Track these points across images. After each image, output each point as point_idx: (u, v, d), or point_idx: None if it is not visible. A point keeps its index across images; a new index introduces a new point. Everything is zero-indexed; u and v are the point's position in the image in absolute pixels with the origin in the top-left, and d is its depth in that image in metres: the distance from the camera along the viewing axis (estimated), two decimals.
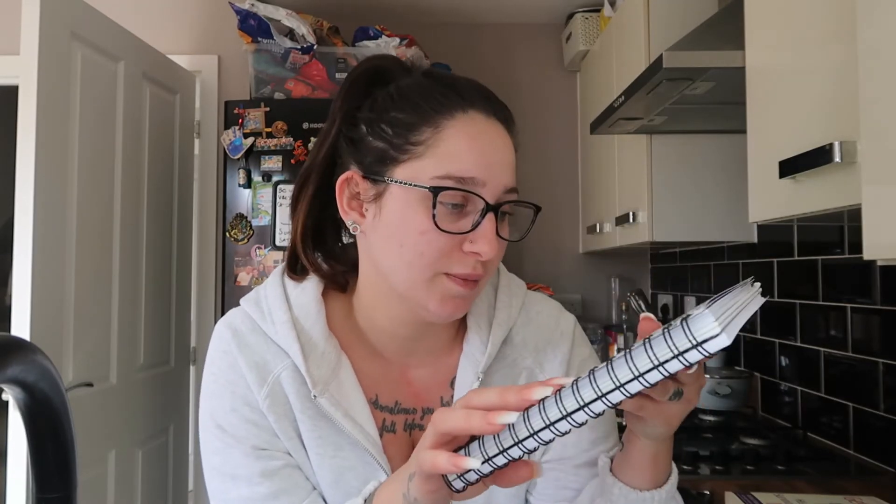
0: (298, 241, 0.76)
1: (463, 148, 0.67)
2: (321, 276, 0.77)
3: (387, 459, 0.72)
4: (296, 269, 0.78)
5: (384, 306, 0.74)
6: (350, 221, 0.72)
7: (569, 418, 0.49)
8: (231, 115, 2.38)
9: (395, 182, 0.67)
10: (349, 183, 0.72)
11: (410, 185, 0.66)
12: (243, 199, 2.37)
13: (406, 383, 0.77)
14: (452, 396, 0.76)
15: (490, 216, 0.66)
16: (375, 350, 0.77)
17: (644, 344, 0.47)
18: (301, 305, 0.75)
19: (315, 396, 0.70)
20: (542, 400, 0.50)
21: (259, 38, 2.44)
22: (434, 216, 0.65)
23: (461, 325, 0.79)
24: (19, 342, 0.51)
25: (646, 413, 0.58)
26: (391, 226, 0.68)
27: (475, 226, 0.66)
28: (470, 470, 0.53)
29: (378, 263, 0.71)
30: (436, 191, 0.65)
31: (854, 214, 0.97)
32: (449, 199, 0.66)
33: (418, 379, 0.77)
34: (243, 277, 2.32)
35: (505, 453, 0.52)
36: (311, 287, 0.76)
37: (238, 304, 0.79)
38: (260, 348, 0.73)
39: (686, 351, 0.44)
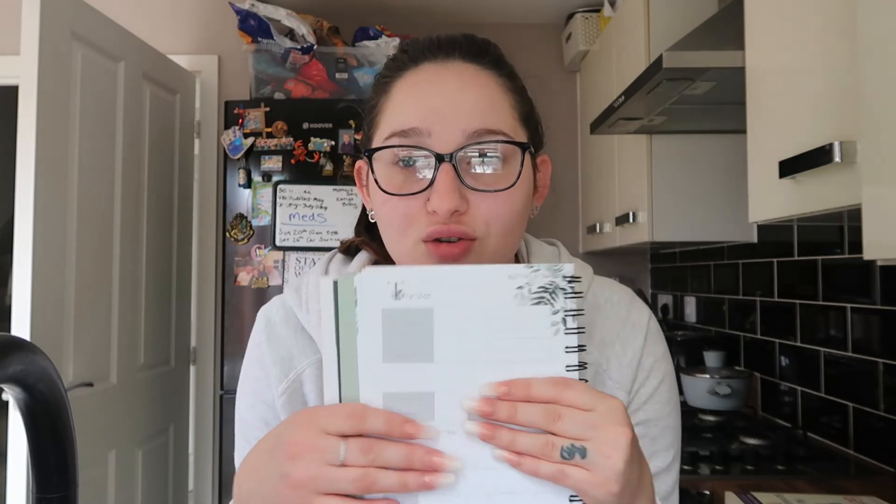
0: (356, 225, 0.77)
1: (403, 101, 0.64)
2: (373, 253, 0.74)
3: None
4: (350, 249, 0.76)
5: None
6: (368, 209, 0.71)
7: None
8: (231, 115, 2.38)
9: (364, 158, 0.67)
10: (360, 173, 0.72)
11: (363, 156, 0.66)
12: (243, 199, 2.37)
13: None
14: None
15: (445, 167, 0.60)
16: None
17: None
18: None
19: None
20: None
21: (259, 38, 2.45)
22: (376, 181, 0.63)
23: None
24: (19, 342, 0.51)
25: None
26: (374, 204, 0.67)
27: (432, 181, 0.60)
28: None
29: (387, 247, 0.69)
30: (369, 154, 0.64)
31: (854, 214, 0.97)
32: (390, 157, 0.63)
33: None
34: (243, 277, 2.32)
35: None
36: None
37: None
38: (288, 342, 0.71)
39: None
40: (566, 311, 0.49)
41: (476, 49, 0.66)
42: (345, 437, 0.48)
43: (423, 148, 0.61)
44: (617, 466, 0.47)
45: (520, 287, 0.49)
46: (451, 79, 0.64)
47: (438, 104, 0.62)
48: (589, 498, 0.48)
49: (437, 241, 0.61)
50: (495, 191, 0.61)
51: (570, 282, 0.49)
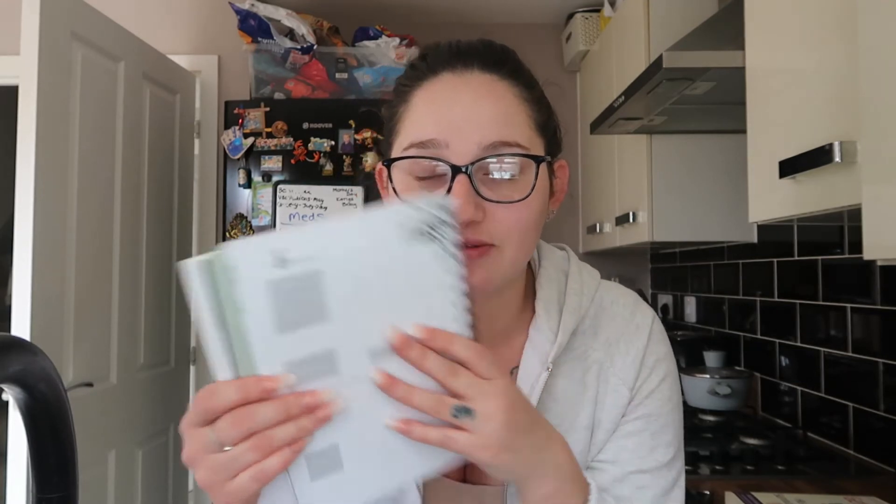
0: None
1: (422, 112, 0.65)
2: None
3: None
4: None
5: None
6: None
7: None
8: (231, 115, 2.38)
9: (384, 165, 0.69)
10: (381, 175, 0.73)
11: (383, 165, 0.68)
12: (243, 199, 2.37)
13: None
14: None
15: (461, 178, 0.61)
16: None
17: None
18: None
19: None
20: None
21: (259, 38, 2.45)
22: (395, 190, 0.65)
23: (525, 312, 0.73)
24: (19, 342, 0.51)
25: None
26: None
27: (448, 191, 0.62)
28: None
29: None
30: (388, 164, 0.66)
31: (854, 214, 0.97)
32: (409, 168, 0.64)
33: None
34: None
35: None
36: None
37: None
38: None
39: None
40: (452, 242, 0.51)
41: (494, 58, 0.67)
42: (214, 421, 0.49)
43: (441, 159, 0.62)
44: (499, 432, 0.51)
45: (406, 229, 0.49)
46: (469, 91, 0.64)
47: (455, 117, 0.63)
48: (477, 461, 0.53)
49: None
50: (510, 202, 0.63)
51: (451, 214, 0.51)
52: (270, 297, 0.46)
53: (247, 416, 0.48)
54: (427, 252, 0.50)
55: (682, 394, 2.19)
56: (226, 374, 0.48)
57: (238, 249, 0.45)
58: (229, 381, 0.48)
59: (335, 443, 0.51)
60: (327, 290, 0.48)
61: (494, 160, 0.62)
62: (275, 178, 2.36)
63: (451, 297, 0.52)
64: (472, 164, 0.62)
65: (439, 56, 0.68)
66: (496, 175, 0.63)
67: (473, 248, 0.62)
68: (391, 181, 0.66)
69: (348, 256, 0.48)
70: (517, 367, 0.71)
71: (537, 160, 0.64)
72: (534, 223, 0.66)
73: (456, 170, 0.61)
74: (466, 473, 0.72)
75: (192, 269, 0.45)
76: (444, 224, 0.50)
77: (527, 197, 0.63)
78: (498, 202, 0.62)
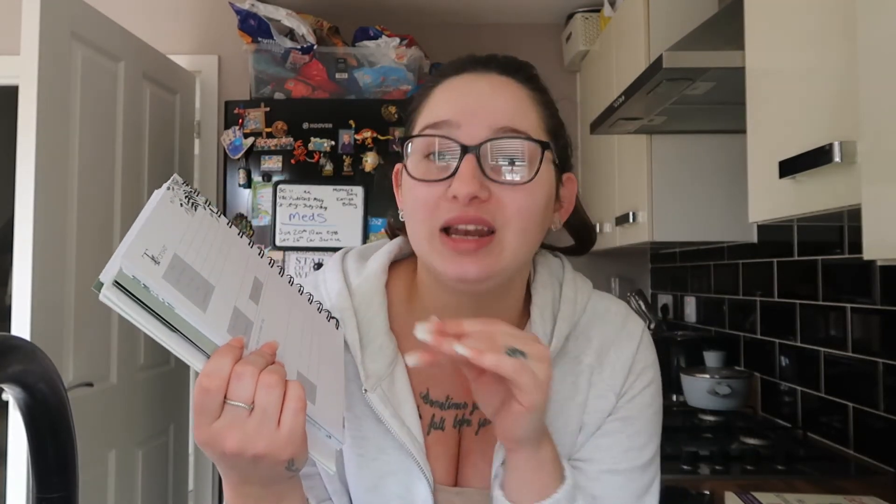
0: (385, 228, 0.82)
1: (440, 99, 0.68)
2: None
3: (430, 466, 0.69)
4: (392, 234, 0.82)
5: (432, 294, 0.73)
6: (400, 208, 0.73)
7: None
8: (231, 115, 2.38)
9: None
10: (397, 175, 0.74)
11: (399, 151, 0.70)
12: (243, 199, 2.37)
13: (459, 376, 0.73)
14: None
15: (469, 157, 0.63)
16: None
17: None
18: (363, 294, 0.73)
19: (366, 391, 0.68)
20: None
21: (259, 38, 2.45)
22: (406, 167, 0.67)
23: (521, 316, 0.75)
24: (19, 342, 0.51)
25: (483, 387, 0.59)
26: (403, 197, 0.70)
27: (456, 169, 0.63)
28: None
29: (410, 241, 0.72)
30: (402, 141, 0.68)
31: (854, 214, 0.97)
32: (422, 149, 0.66)
33: None
34: None
35: None
36: (374, 276, 0.74)
37: None
38: None
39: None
40: (206, 201, 0.61)
41: (513, 66, 0.71)
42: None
43: (451, 139, 0.64)
44: (547, 374, 0.57)
45: (181, 205, 0.57)
46: (485, 84, 0.68)
47: (470, 102, 0.66)
48: (527, 399, 0.56)
49: (455, 237, 0.64)
50: (514, 183, 0.64)
51: (185, 182, 0.61)
52: (174, 288, 0.50)
53: (247, 367, 0.51)
54: (204, 214, 0.59)
55: (682, 393, 2.19)
56: (200, 362, 0.53)
57: (125, 262, 0.48)
58: (213, 359, 0.51)
59: (297, 370, 0.57)
60: (193, 265, 0.53)
61: (501, 145, 0.64)
62: (275, 178, 2.36)
63: (246, 242, 0.63)
64: (481, 144, 0.63)
65: (463, 60, 0.72)
66: (503, 162, 0.64)
67: (470, 240, 0.63)
68: (406, 168, 0.67)
69: (179, 235, 0.54)
70: None
71: (542, 145, 0.66)
72: (537, 214, 0.66)
73: (465, 149, 0.63)
74: (458, 479, 0.73)
75: (112, 297, 0.48)
76: (192, 190, 0.59)
77: (531, 180, 0.64)
78: (503, 183, 0.64)
